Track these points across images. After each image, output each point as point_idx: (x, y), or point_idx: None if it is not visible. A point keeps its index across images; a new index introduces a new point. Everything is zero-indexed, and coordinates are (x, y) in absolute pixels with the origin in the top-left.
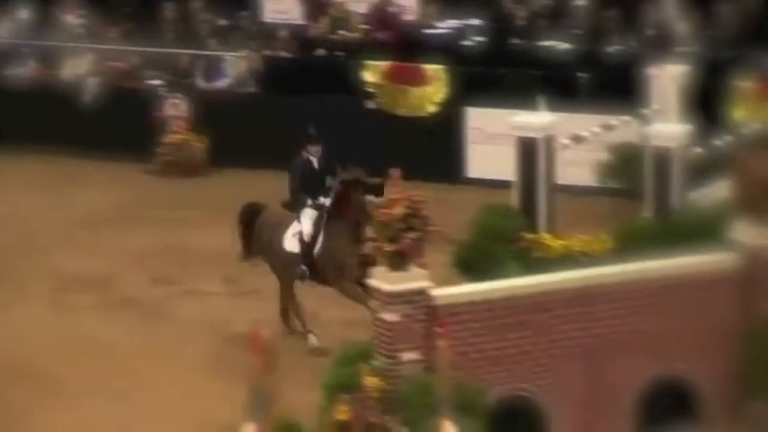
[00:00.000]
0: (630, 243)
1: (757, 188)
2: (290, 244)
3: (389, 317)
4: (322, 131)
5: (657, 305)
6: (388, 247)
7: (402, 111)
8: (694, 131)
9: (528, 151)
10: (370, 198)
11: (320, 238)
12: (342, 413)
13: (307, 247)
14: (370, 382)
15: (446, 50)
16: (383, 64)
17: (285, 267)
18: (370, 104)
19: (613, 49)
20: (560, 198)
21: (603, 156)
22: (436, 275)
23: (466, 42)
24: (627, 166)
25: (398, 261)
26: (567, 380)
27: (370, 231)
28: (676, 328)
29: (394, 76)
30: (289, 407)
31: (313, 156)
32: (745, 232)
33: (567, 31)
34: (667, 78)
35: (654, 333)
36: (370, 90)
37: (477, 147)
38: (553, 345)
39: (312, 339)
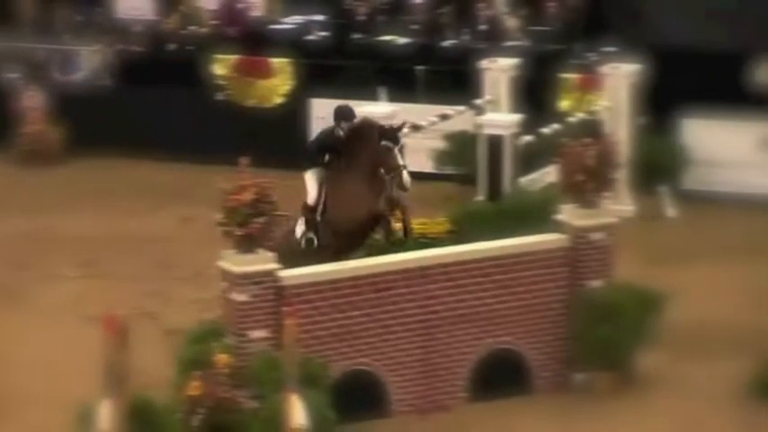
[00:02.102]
0: (466, 225)
1: (581, 173)
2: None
3: (239, 297)
4: (173, 122)
5: (491, 283)
6: (237, 231)
7: (250, 102)
8: (524, 120)
9: None
10: (387, 143)
11: (324, 198)
12: (194, 389)
13: (310, 213)
14: (222, 358)
15: (291, 44)
16: (232, 58)
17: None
18: (220, 96)
19: (448, 43)
20: None
21: (440, 143)
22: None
23: (310, 37)
24: (462, 153)
25: (247, 244)
26: (407, 353)
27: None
28: (508, 304)
29: (242, 70)
30: (143, 384)
31: (343, 131)
32: (570, 214)
33: (405, 26)
34: (499, 71)
35: (487, 309)
36: (220, 82)
37: None
38: (394, 321)
39: None
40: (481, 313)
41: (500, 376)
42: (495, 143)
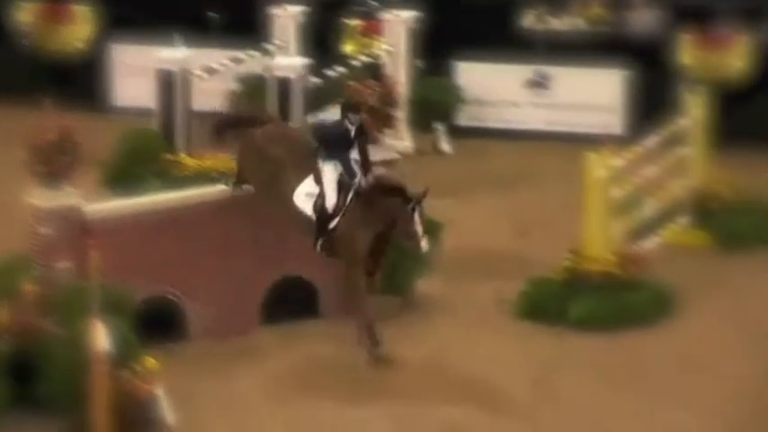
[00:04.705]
0: None
1: (364, 112)
2: (302, 202)
3: (45, 230)
4: None
5: (282, 215)
6: (42, 169)
7: (53, 48)
8: (311, 64)
9: (167, 82)
10: (408, 209)
11: (340, 214)
12: (2, 317)
13: (327, 218)
14: (28, 288)
15: None
16: (35, 5)
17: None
18: (25, 43)
19: None
20: (196, 123)
21: (233, 85)
22: (87, 193)
23: None
24: (254, 95)
25: (53, 181)
26: (204, 281)
27: (395, 238)
28: (296, 236)
29: (45, 16)
30: None
31: (352, 123)
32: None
33: None
34: (287, 17)
35: (277, 239)
36: (24, 29)
37: (123, 79)
38: (191, 251)
39: None
40: (272, 244)
41: (291, 302)
42: (284, 85)
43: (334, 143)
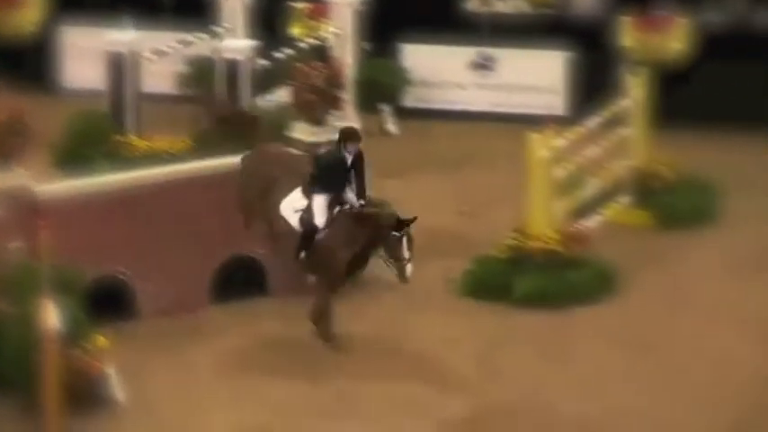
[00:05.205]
0: (206, 142)
1: (311, 94)
2: (289, 214)
3: None
4: None
5: (231, 194)
6: None
7: (5, 31)
8: (259, 46)
9: (116, 64)
10: (397, 235)
11: (326, 229)
12: None
13: (312, 232)
14: None
15: None
16: None
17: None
18: None
19: None
20: (145, 105)
21: (182, 67)
22: (38, 174)
23: None
24: (202, 77)
25: (3, 162)
26: (154, 261)
27: (381, 253)
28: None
29: None
30: None
31: (348, 153)
32: (301, 131)
33: None
34: (235, 0)
35: (226, 218)
36: None
37: (73, 61)
38: (141, 231)
39: None
40: (220, 223)
41: (240, 281)
42: (232, 67)
43: (331, 174)
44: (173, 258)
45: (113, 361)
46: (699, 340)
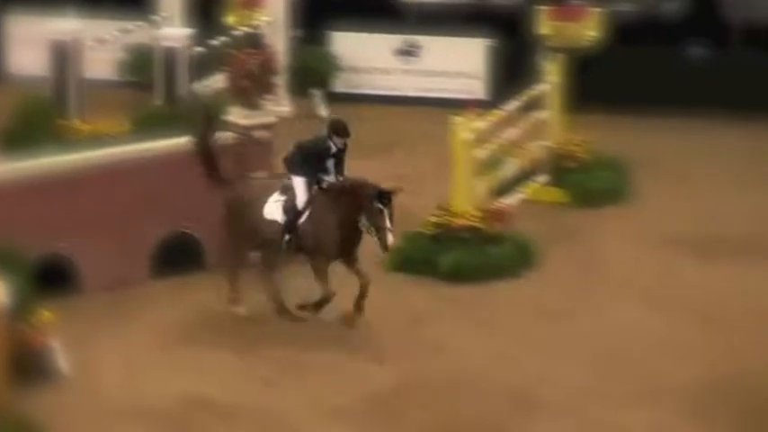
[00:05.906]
0: (145, 126)
1: (246, 79)
2: (271, 211)
3: None
4: None
5: (169, 174)
6: None
7: None
8: (195, 34)
9: (60, 51)
10: (380, 206)
11: (307, 210)
12: None
13: (296, 215)
14: None
15: None
16: None
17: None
18: None
19: None
20: (88, 90)
21: (122, 55)
22: None
23: None
24: (141, 63)
25: None
26: (98, 239)
27: (363, 222)
28: (182, 194)
29: None
30: None
31: (336, 145)
32: (237, 115)
33: None
34: None
35: (165, 196)
36: None
37: (18, 48)
38: (83, 209)
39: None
40: (161, 201)
41: (178, 256)
42: (170, 54)
43: (312, 158)
44: (114, 235)
45: (58, 334)
46: (610, 311)
